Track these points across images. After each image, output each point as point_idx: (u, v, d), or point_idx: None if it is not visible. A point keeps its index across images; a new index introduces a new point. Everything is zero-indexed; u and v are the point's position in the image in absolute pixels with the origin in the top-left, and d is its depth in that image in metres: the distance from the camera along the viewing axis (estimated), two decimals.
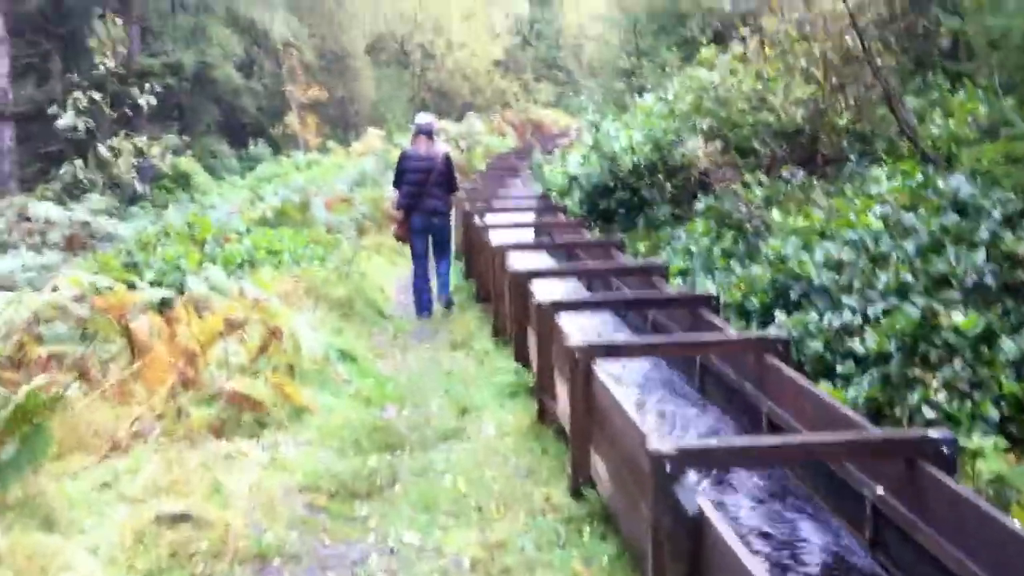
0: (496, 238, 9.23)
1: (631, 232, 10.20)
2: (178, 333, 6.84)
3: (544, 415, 6.15)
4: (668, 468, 3.40)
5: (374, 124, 38.00)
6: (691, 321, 6.21)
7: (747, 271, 6.88)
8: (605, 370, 4.96)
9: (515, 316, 7.15)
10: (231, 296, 8.34)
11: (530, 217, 11.19)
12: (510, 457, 5.93)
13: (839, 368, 5.44)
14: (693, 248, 7.95)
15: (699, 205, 8.58)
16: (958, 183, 5.95)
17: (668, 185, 9.62)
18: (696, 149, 8.30)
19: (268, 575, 4.54)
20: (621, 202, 10.37)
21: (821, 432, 4.14)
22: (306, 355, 7.50)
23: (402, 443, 6.30)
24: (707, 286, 6.99)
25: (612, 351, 5.14)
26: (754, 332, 5.71)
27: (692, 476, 4.16)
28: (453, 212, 10.72)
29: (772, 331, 5.83)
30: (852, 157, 8.16)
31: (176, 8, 32.39)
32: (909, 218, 5.83)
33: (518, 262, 8.02)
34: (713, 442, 3.57)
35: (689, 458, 3.46)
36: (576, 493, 5.04)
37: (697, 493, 3.31)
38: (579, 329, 6.70)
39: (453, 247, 10.53)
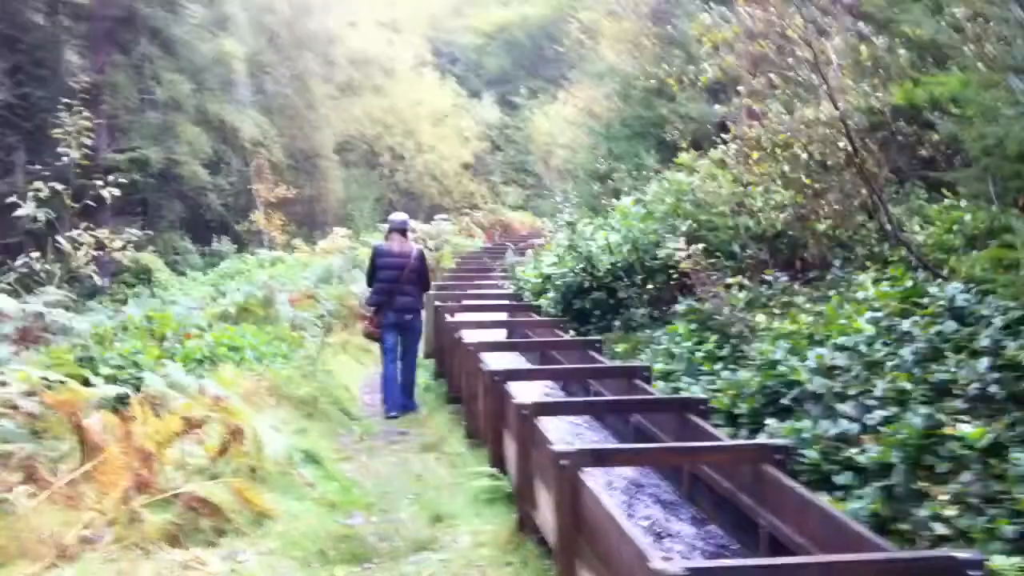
0: (469, 336, 8.94)
1: (607, 333, 9.96)
2: (133, 432, 6.43)
3: (524, 525, 5.78)
4: None
5: (341, 223, 37.89)
6: (678, 426, 5.92)
7: (734, 375, 6.63)
8: (592, 478, 4.64)
9: (490, 418, 6.83)
10: (190, 394, 7.98)
11: (503, 316, 10.92)
12: (488, 571, 5.55)
13: (838, 479, 5.15)
14: (675, 350, 7.70)
15: (679, 307, 8.37)
16: (953, 291, 5.79)
17: (646, 286, 9.41)
18: (676, 250, 8.12)
19: None
20: (597, 303, 10.15)
21: (841, 553, 3.84)
22: (268, 457, 7.13)
23: (370, 554, 5.90)
24: (692, 390, 6.72)
25: (601, 458, 4.83)
26: (750, 440, 5.41)
27: None
28: (424, 311, 10.44)
29: (765, 439, 5.54)
30: (836, 263, 8.02)
31: (145, 105, 32.37)
32: (906, 324, 5.63)
33: (493, 362, 7.73)
34: (726, 564, 3.25)
35: None
36: None
37: None
38: (557, 433, 6.38)
39: (422, 347, 10.17)
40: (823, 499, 4.54)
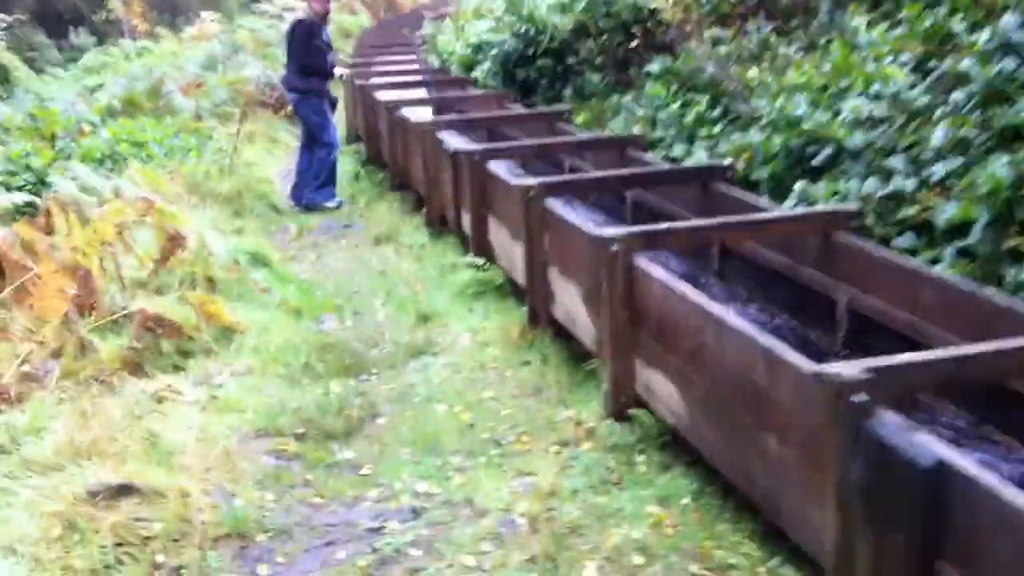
0: (415, 116, 7.99)
1: (557, 104, 9.11)
2: (58, 245, 5.44)
3: (537, 320, 5.11)
4: (857, 401, 2.44)
5: (208, 7, 35.15)
6: (700, 199, 5.24)
7: (744, 136, 5.93)
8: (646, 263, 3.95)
9: (473, 204, 6.02)
10: (106, 197, 6.95)
11: (440, 93, 9.89)
12: (505, 372, 4.90)
13: (899, 242, 4.57)
14: (661, 116, 6.92)
15: (652, 67, 7.52)
16: (1009, 24, 5.09)
17: (604, 50, 8.50)
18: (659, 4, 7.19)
19: (256, 559, 3.41)
20: (543, 71, 9.21)
21: (970, 328, 3.27)
22: (214, 263, 6.25)
23: (363, 364, 5.18)
24: (699, 156, 6.00)
25: (654, 241, 4.11)
26: (818, 207, 4.68)
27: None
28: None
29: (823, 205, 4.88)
30: (823, 6, 7.21)
31: None
32: (964, 64, 4.94)
33: (452, 142, 6.85)
34: (911, 359, 2.61)
35: (883, 385, 2.51)
36: (619, 415, 4.06)
37: (917, 431, 2.35)
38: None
39: (331, 134, 9.25)
40: (921, 263, 3.97)
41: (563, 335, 4.98)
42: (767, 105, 6.12)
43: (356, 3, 30.92)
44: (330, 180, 9.20)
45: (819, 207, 4.60)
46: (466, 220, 6.47)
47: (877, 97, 5.29)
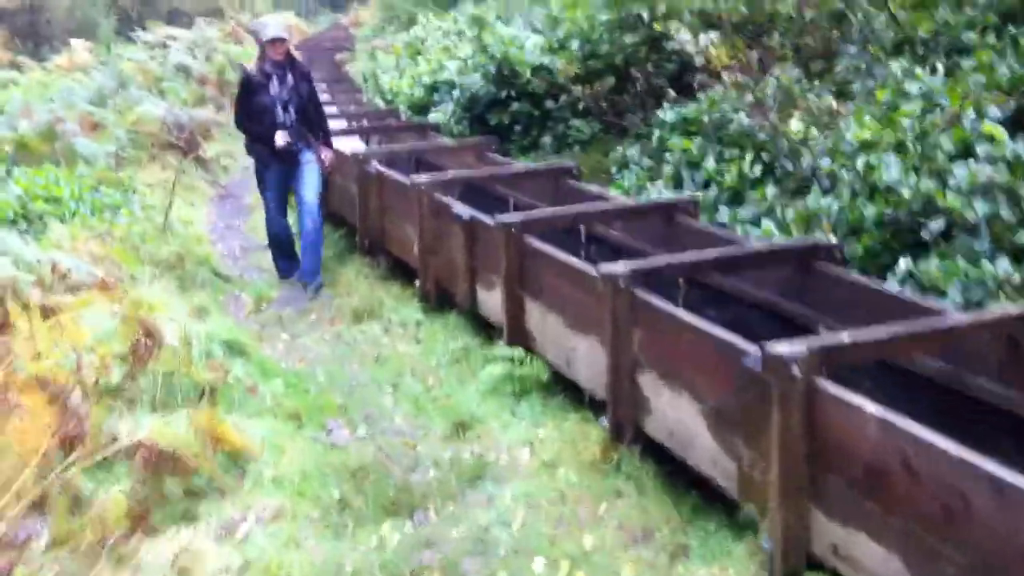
0: (396, 173, 7.07)
1: (533, 153, 8.31)
2: (17, 353, 4.32)
3: (622, 436, 4.25)
4: None
5: (73, 35, 33.18)
6: (800, 284, 4.50)
7: (808, 202, 5.23)
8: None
9: (508, 285, 5.14)
10: (43, 275, 5.87)
11: (399, 142, 8.94)
12: (596, 507, 4.01)
13: None
14: (686, 173, 6.18)
15: (665, 115, 6.78)
16: None
17: (596, 93, 7.73)
18: (688, 41, 6.43)
19: None
20: (517, 116, 8.38)
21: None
22: (194, 358, 5.20)
23: (410, 495, 4.23)
24: (765, 228, 5.26)
25: (837, 357, 3.30)
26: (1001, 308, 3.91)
27: None
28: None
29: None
30: (850, 48, 6.62)
31: None
32: None
33: (462, 208, 5.96)
34: None
35: None
36: None
37: None
38: None
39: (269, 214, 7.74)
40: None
41: (655, 449, 4.15)
42: (830, 163, 5.45)
43: (240, 31, 29.55)
44: (279, 253, 7.75)
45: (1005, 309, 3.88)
46: (489, 299, 5.58)
47: (990, 160, 4.65)
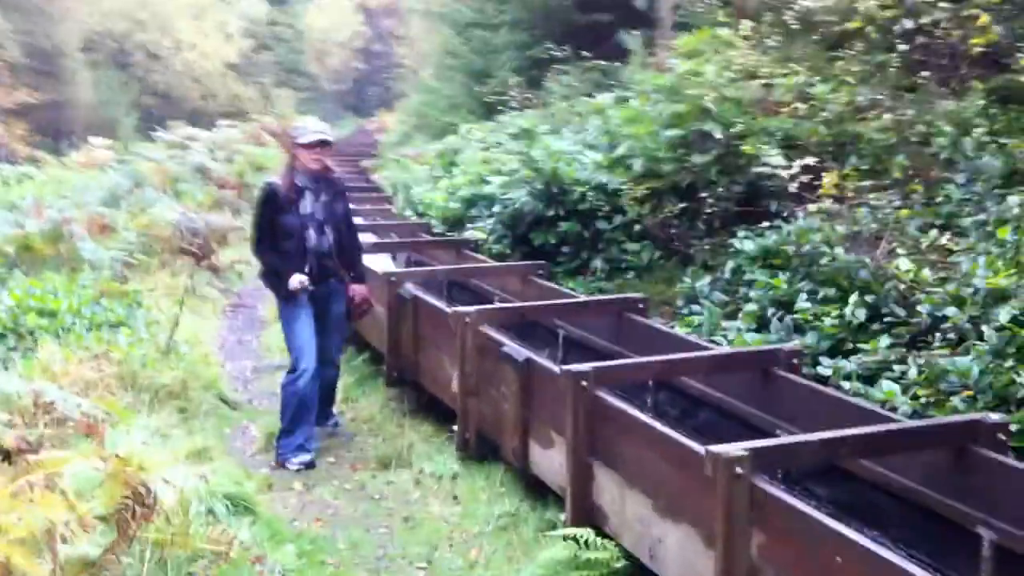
0: (436, 300, 6.25)
1: (579, 278, 7.49)
2: None
3: None
4: None
5: (93, 132, 33.06)
6: (959, 468, 3.59)
7: (950, 364, 4.34)
8: None
9: (575, 449, 4.24)
10: (22, 408, 5.06)
11: (434, 258, 8.12)
12: None
13: None
14: (770, 311, 5.32)
15: (742, 244, 5.97)
16: None
17: (658, 214, 6.93)
18: (779, 164, 5.65)
19: None
20: (566, 236, 7.58)
21: None
22: (190, 522, 4.30)
23: None
24: (884, 389, 4.37)
25: None
26: None
27: None
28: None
29: None
30: (958, 178, 5.84)
31: None
32: None
33: (516, 350, 5.10)
34: None
35: None
36: None
37: None
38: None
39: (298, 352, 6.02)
40: None
41: None
42: (956, 311, 4.59)
43: (263, 134, 29.24)
44: (297, 422, 5.92)
45: None
46: (545, 459, 4.68)
47: None
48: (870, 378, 4.70)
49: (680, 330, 5.91)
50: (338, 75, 51.45)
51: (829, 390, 4.38)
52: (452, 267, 7.36)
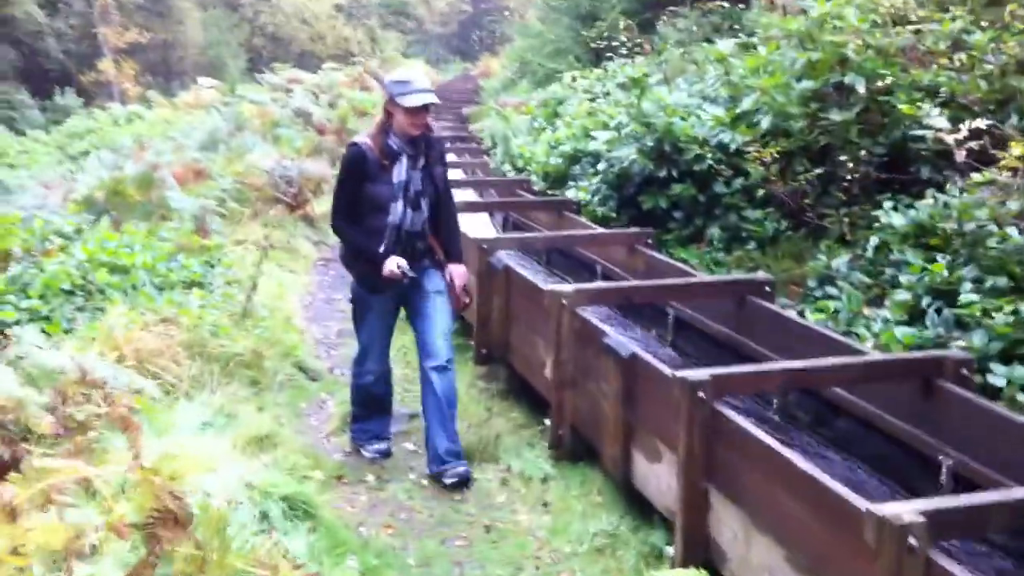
0: (529, 273, 5.54)
1: (692, 247, 6.69)
2: None
3: None
4: None
5: (202, 72, 33.14)
6: None
7: None
8: None
9: (688, 473, 3.51)
10: (64, 386, 4.56)
11: (533, 220, 7.40)
12: None
13: None
14: (931, 304, 4.46)
15: (890, 217, 5.09)
16: None
17: (789, 178, 6.05)
18: (942, 127, 4.75)
19: None
20: (679, 200, 6.76)
21: None
22: (230, 543, 3.71)
23: None
24: None
25: None
26: None
27: None
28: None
29: None
30: None
31: None
32: None
33: (619, 341, 4.36)
34: None
35: None
36: None
37: None
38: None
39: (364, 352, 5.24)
40: None
41: None
42: None
43: (367, 77, 28.75)
44: (368, 411, 5.28)
45: None
46: (651, 474, 3.97)
47: None
48: None
49: (812, 317, 5.09)
50: (444, 17, 50.64)
51: (1007, 411, 3.54)
52: (551, 234, 6.63)
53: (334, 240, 11.96)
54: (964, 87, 5.59)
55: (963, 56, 5.62)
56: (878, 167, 5.92)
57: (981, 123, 4.58)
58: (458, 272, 5.00)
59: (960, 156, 4.56)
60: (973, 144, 4.59)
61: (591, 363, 4.51)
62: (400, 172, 4.79)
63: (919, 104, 5.15)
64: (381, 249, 4.75)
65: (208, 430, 5.07)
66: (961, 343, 4.15)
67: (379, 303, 4.98)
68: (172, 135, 18.06)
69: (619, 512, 4.30)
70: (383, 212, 4.77)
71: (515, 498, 4.71)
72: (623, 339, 4.25)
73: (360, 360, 5.17)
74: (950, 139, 4.62)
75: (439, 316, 4.96)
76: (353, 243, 4.93)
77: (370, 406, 5.24)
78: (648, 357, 3.99)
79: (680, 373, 3.51)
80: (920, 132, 5.20)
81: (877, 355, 3.91)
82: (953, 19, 5.81)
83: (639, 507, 4.23)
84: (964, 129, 4.60)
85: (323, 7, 43.89)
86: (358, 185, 4.80)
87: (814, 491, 2.86)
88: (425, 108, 4.72)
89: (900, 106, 5.26)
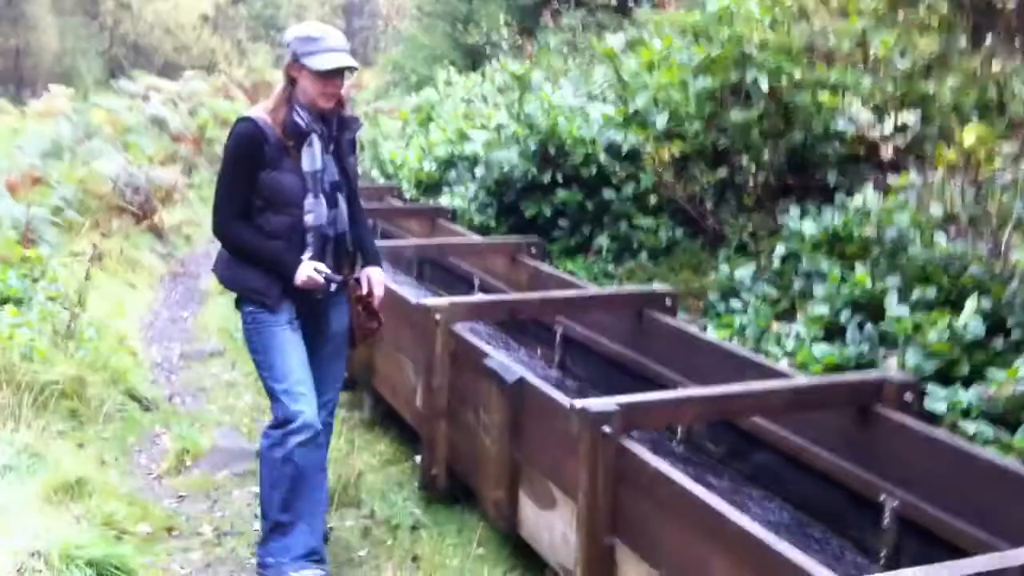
0: (403, 289, 4.81)
1: (577, 257, 6.10)
2: None
3: None
4: None
5: (57, 81, 31.31)
6: None
7: None
8: None
9: (591, 529, 2.85)
10: None
11: (404, 229, 6.68)
12: None
13: None
14: (850, 320, 3.94)
15: (800, 224, 4.57)
16: None
17: (696, 181, 5.48)
18: (867, 121, 4.23)
19: None
20: (564, 207, 6.15)
21: None
22: None
23: None
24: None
25: None
26: None
27: None
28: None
29: None
30: None
31: None
32: None
33: (501, 363, 3.69)
34: None
35: None
36: None
37: None
38: None
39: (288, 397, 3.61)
40: None
41: None
42: None
43: (231, 87, 27.56)
44: (296, 510, 3.58)
45: None
46: (543, 523, 3.29)
47: None
48: (1000, 418, 3.35)
49: (715, 333, 4.53)
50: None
51: (958, 441, 3.01)
52: (424, 242, 5.93)
53: (184, 252, 11.05)
54: (871, 88, 5.14)
55: (873, 54, 5.16)
56: (779, 172, 5.42)
57: (909, 117, 4.10)
58: (378, 279, 3.75)
59: (886, 152, 4.07)
60: (899, 141, 4.10)
61: (470, 389, 3.83)
62: (313, 157, 3.55)
63: (841, 97, 4.65)
64: (307, 257, 3.52)
65: (7, 475, 4.20)
66: (893, 363, 3.62)
67: (288, 327, 3.60)
68: (19, 144, 16.72)
69: (503, 568, 3.62)
70: (291, 209, 3.53)
71: (379, 551, 3.96)
72: (507, 361, 3.58)
73: (279, 416, 3.55)
74: (872, 135, 4.12)
75: (336, 365, 3.84)
76: (252, 250, 3.56)
77: (299, 497, 3.55)
78: (538, 383, 3.32)
79: (580, 403, 2.85)
80: (838, 129, 4.70)
81: (805, 378, 3.33)
82: (859, 13, 5.37)
83: (528, 561, 3.56)
84: (888, 124, 4.11)
85: (189, 18, 42.31)
86: (252, 174, 3.51)
87: (754, 552, 2.23)
88: (339, 73, 3.51)
89: (821, 96, 4.75)
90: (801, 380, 3.26)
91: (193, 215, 12.45)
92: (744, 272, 4.80)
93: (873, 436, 3.17)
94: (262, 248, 3.55)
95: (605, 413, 2.78)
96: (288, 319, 3.59)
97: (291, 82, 3.54)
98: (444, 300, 4.12)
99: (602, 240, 6.00)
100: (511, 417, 3.44)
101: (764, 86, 5.17)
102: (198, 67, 37.89)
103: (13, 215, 8.84)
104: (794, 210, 4.88)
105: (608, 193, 6.06)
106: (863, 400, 3.17)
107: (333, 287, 3.55)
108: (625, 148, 5.93)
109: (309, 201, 3.54)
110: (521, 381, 3.40)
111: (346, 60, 3.49)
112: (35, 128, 21.42)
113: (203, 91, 24.40)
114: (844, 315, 4.05)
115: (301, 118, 3.51)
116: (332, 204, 3.61)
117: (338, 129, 3.65)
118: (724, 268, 4.93)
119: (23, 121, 25.23)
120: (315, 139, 3.54)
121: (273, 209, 3.54)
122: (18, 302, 6.13)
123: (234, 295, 3.71)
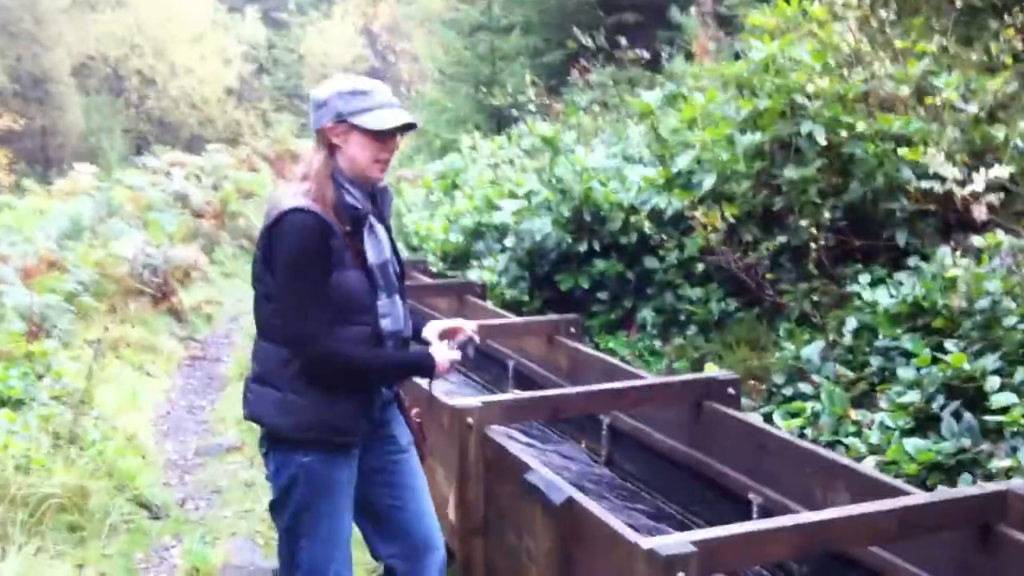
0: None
1: (622, 334, 5.59)
2: None
3: None
4: None
5: (83, 159, 31.43)
6: None
7: None
8: None
9: None
10: None
11: (433, 307, 6.20)
12: None
13: None
14: (948, 415, 3.40)
15: (874, 292, 4.06)
16: None
17: (751, 252, 4.99)
18: (952, 178, 3.75)
19: None
20: (603, 279, 5.67)
21: None
22: None
23: None
24: None
25: None
26: None
27: None
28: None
29: None
30: None
31: None
32: None
33: (537, 474, 3.18)
34: None
35: None
36: None
37: None
38: None
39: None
40: None
41: None
42: None
43: (255, 158, 27.43)
44: None
45: None
46: None
47: None
48: None
49: (783, 424, 4.00)
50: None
51: None
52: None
53: (204, 333, 10.61)
54: (936, 135, 4.64)
55: (936, 101, 4.67)
56: (841, 232, 4.91)
57: (1003, 171, 3.59)
58: (441, 361, 2.96)
59: (980, 213, 3.56)
60: (992, 198, 3.59)
61: (510, 506, 3.31)
62: (379, 247, 2.86)
63: (923, 151, 4.13)
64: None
65: None
66: (1002, 463, 3.07)
67: (348, 474, 2.87)
68: (41, 229, 16.53)
69: None
70: (365, 316, 2.82)
71: None
72: (553, 477, 3.06)
73: None
74: (963, 192, 3.62)
75: (421, 481, 3.12)
76: (375, 364, 2.85)
77: None
78: (592, 507, 2.80)
79: (647, 543, 2.33)
80: (914, 186, 4.20)
81: (920, 497, 2.76)
82: (920, 57, 4.88)
83: None
84: (980, 180, 3.60)
85: (214, 91, 42.67)
86: (327, 277, 2.73)
87: None
88: (393, 134, 2.82)
89: (903, 152, 4.23)
90: (915, 498, 2.70)
91: (215, 293, 12.09)
92: (811, 350, 4.27)
93: (995, 563, 2.62)
94: (381, 358, 2.85)
95: (680, 557, 2.26)
96: (352, 473, 2.88)
97: (330, 151, 2.80)
98: (476, 401, 3.61)
99: (646, 314, 5.49)
100: (560, 544, 2.92)
101: (821, 139, 4.69)
102: (223, 139, 38.07)
103: (23, 304, 8.46)
104: (863, 277, 4.36)
105: (650, 262, 5.58)
106: (985, 519, 2.62)
107: (471, 350, 3.03)
108: (669, 212, 5.46)
109: (383, 303, 2.84)
110: (570, 502, 2.88)
111: (406, 116, 2.80)
112: (59, 208, 21.32)
113: (227, 164, 24.24)
114: (936, 402, 3.50)
115: (355, 198, 2.78)
116: (402, 300, 2.97)
117: (382, 205, 2.96)
118: (788, 345, 4.40)
119: (49, 201, 25.20)
120: (374, 223, 2.86)
121: (342, 319, 2.76)
122: (18, 404, 5.70)
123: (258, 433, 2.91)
